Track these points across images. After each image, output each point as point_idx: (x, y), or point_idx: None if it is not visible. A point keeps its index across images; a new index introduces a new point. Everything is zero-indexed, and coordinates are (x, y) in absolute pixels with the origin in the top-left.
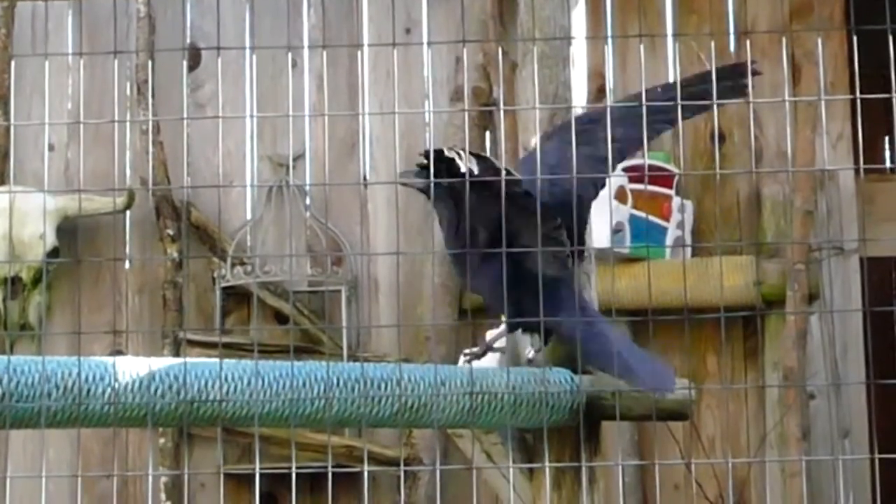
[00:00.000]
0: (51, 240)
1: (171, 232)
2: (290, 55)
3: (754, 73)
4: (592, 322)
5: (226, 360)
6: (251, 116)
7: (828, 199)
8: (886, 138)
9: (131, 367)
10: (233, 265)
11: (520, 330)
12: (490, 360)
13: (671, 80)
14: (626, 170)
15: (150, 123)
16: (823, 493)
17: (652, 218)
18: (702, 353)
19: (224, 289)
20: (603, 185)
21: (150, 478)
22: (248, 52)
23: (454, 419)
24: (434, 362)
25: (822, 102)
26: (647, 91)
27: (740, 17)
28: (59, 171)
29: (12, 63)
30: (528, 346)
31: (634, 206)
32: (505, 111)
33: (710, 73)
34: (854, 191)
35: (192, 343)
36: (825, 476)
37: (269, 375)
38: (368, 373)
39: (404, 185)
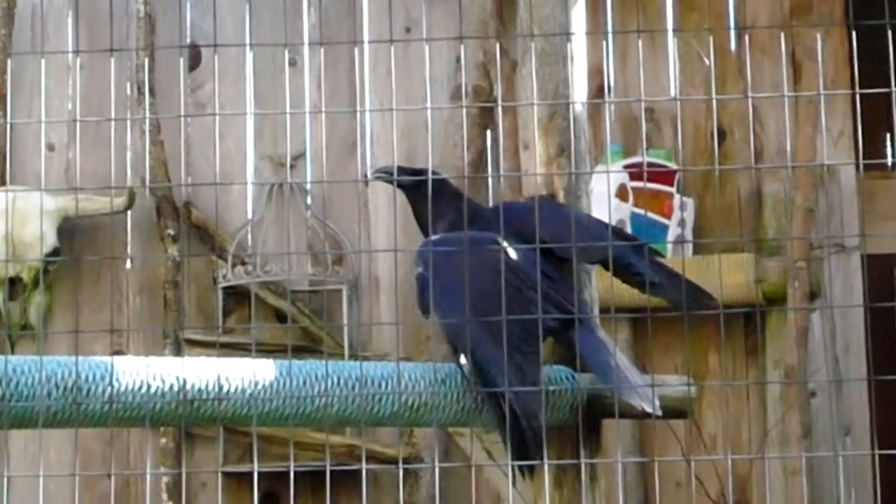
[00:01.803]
0: (52, 240)
1: (171, 232)
2: (286, 52)
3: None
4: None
5: (225, 360)
6: (250, 114)
7: (829, 196)
8: (888, 135)
9: (131, 367)
10: (233, 265)
11: None
12: None
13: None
14: (626, 167)
15: (148, 122)
16: (825, 491)
17: (653, 215)
18: (703, 352)
19: (225, 288)
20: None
21: (150, 477)
22: (246, 49)
23: (454, 418)
24: (435, 362)
25: (823, 99)
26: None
27: (740, 15)
28: (60, 172)
29: (8, 62)
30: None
31: (635, 204)
32: (505, 110)
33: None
34: (855, 188)
35: (192, 343)
36: (826, 474)
37: (268, 374)
38: (368, 372)
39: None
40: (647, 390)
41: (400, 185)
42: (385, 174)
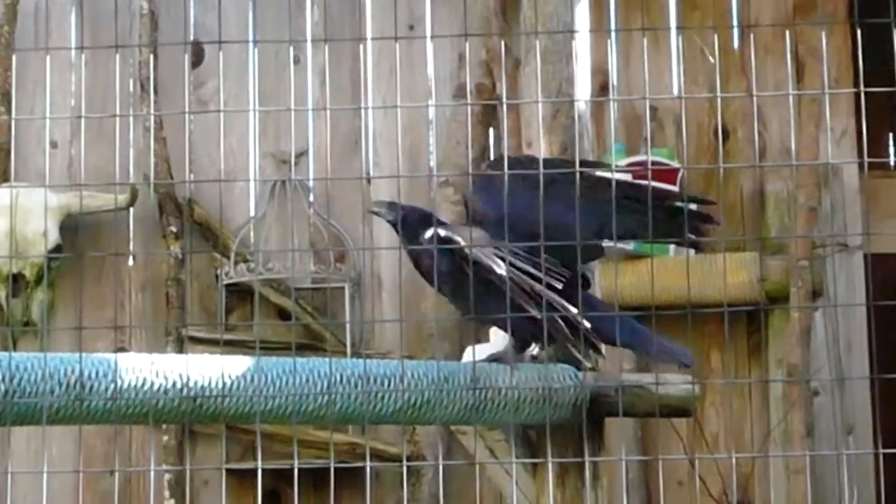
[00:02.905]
0: (54, 237)
1: (174, 229)
2: (291, 49)
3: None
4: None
5: (228, 357)
6: (253, 111)
7: (832, 195)
8: (891, 135)
9: (133, 364)
10: (236, 262)
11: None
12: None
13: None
14: (629, 165)
15: (153, 119)
16: (827, 490)
17: None
18: (706, 351)
19: (227, 286)
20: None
21: (153, 474)
22: (250, 46)
23: (457, 416)
24: (437, 360)
25: (826, 97)
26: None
27: (743, 13)
28: (63, 169)
29: (13, 59)
30: (533, 344)
31: None
32: (508, 108)
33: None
34: (858, 187)
35: (194, 340)
36: (829, 473)
37: (271, 372)
38: (371, 369)
39: (374, 213)
40: (675, 347)
41: (393, 224)
42: (381, 209)
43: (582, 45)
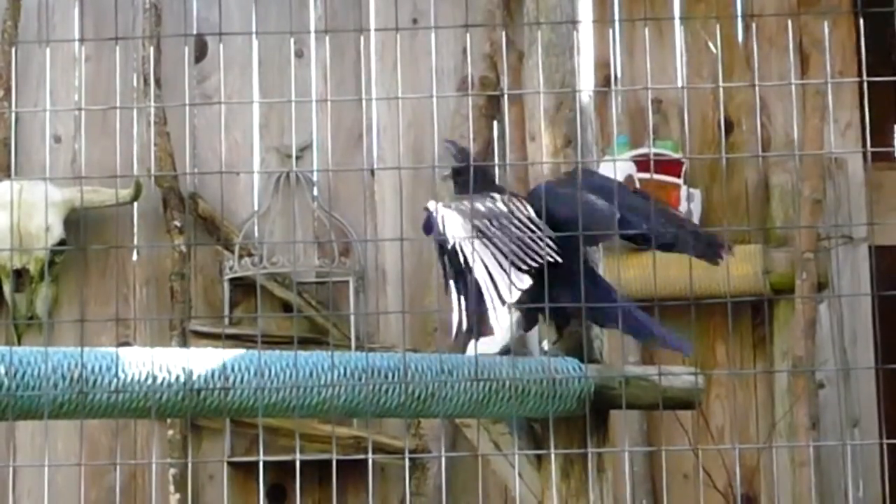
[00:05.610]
0: (58, 232)
1: (178, 223)
2: (292, 40)
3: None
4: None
5: (231, 351)
6: (256, 102)
7: (836, 187)
8: (895, 126)
9: (137, 358)
10: (240, 256)
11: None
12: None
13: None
14: (633, 158)
15: (153, 111)
16: (832, 483)
17: None
18: (711, 343)
19: (232, 280)
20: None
21: (157, 469)
22: (252, 38)
23: (461, 409)
24: (442, 353)
25: (830, 88)
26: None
27: (747, 5)
28: (67, 163)
29: (13, 50)
30: (544, 340)
31: None
32: (511, 101)
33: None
34: (862, 179)
35: (198, 334)
36: (834, 466)
37: (274, 366)
38: (375, 363)
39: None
40: (674, 338)
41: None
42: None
43: (585, 37)
